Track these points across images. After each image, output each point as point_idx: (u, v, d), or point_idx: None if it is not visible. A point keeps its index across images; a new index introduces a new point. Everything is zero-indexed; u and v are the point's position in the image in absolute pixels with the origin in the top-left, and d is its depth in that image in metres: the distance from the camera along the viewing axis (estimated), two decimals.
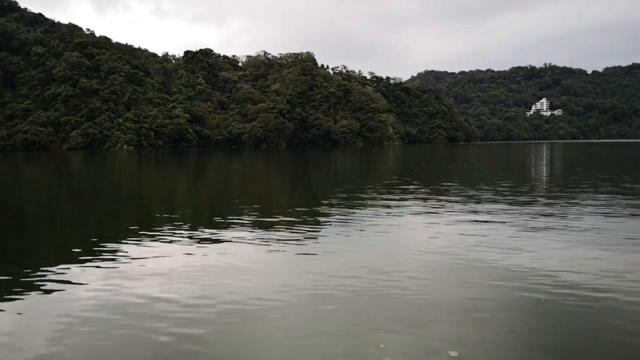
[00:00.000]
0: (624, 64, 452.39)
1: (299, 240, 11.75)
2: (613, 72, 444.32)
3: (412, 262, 9.57)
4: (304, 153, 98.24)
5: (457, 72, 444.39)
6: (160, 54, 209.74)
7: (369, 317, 6.71)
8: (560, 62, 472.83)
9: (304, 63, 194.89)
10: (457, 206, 17.19)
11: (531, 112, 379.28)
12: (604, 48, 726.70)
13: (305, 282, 8.28)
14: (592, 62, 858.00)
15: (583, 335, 6.13)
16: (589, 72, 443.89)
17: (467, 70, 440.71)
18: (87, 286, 8.32)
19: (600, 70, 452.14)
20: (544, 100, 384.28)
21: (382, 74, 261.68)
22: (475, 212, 15.84)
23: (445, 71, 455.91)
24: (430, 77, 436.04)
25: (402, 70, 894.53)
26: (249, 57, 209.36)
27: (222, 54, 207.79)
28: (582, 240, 11.43)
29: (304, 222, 14.20)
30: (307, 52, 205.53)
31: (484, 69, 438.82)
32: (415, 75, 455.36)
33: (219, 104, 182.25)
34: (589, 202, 18.03)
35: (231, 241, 11.73)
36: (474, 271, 8.87)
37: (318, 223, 14.08)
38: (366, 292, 7.74)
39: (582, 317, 6.71)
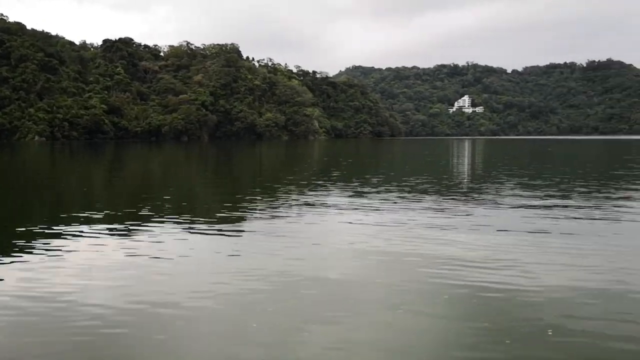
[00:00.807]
0: (541, 64, 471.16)
1: (221, 236, 11.41)
2: (532, 71, 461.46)
3: (336, 256, 9.56)
4: (227, 146, 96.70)
5: (384, 68, 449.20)
6: (78, 42, 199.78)
7: (296, 312, 6.59)
8: (482, 61, 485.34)
9: (228, 54, 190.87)
10: (381, 201, 17.12)
11: (454, 109, 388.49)
12: (523, 48, 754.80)
13: (229, 280, 7.97)
14: (512, 61, 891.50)
15: (501, 320, 6.30)
16: (509, 71, 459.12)
17: (393, 66, 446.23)
18: None
19: (520, 69, 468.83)
20: (466, 97, 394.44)
21: (312, 67, 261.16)
22: (397, 206, 15.95)
23: (373, 67, 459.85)
24: (358, 73, 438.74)
25: (330, 64, 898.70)
26: (171, 47, 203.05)
27: (142, 44, 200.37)
28: (499, 229, 11.97)
29: (226, 219, 13.76)
30: (232, 44, 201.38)
31: (409, 65, 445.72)
32: (343, 70, 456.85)
33: (139, 95, 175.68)
34: (503, 194, 18.83)
35: (150, 238, 11.22)
36: (398, 263, 8.97)
37: (241, 220, 13.71)
38: (291, 288, 7.57)
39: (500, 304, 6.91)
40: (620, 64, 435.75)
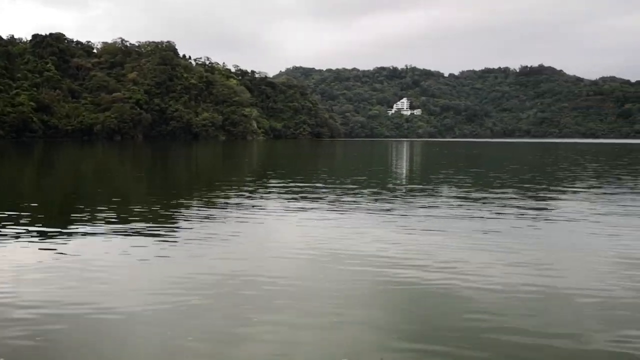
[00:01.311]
0: (477, 68, 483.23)
1: (155, 239, 11.07)
2: (468, 76, 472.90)
3: (274, 258, 9.41)
4: (162, 146, 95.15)
5: (324, 69, 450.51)
6: (5, 37, 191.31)
7: (234, 315, 6.55)
8: (420, 64, 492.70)
9: (164, 52, 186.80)
10: (320, 202, 17.20)
11: (393, 111, 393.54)
12: (460, 52, 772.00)
13: (164, 284, 7.75)
14: (449, 65, 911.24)
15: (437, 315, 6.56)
16: (446, 74, 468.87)
17: (334, 68, 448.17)
18: None
19: (456, 73, 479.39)
20: (404, 100, 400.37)
21: (253, 67, 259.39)
22: (334, 206, 16.11)
23: (313, 68, 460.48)
24: (298, 73, 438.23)
25: (271, 64, 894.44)
26: (105, 43, 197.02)
27: (75, 39, 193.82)
28: (434, 229, 12.37)
29: (161, 222, 13.36)
30: (168, 42, 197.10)
31: (350, 67, 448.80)
32: (283, 70, 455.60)
33: (70, 92, 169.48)
34: (438, 195, 19.51)
35: (78, 242, 10.85)
36: (337, 264, 9.00)
37: (177, 222, 13.31)
38: (233, 291, 7.49)
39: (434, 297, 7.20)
40: (551, 69, 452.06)
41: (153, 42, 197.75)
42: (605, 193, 21.23)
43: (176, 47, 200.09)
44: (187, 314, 6.62)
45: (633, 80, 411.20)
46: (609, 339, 5.96)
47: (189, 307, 6.86)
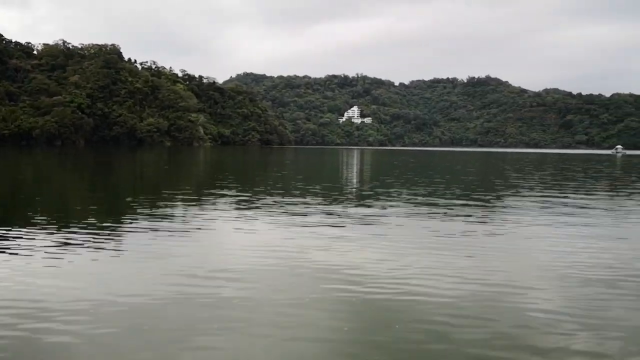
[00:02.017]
0: (426, 78, 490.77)
1: (97, 252, 10.68)
2: (417, 85, 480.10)
3: (224, 269, 9.16)
4: (104, 152, 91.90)
5: (275, 76, 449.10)
6: None
7: (184, 328, 6.43)
8: (371, 73, 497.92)
9: (108, 55, 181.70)
10: (269, 209, 17.09)
11: (344, 119, 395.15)
12: (410, 62, 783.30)
13: (107, 298, 7.52)
14: (399, 74, 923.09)
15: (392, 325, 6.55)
16: (397, 83, 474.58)
17: (285, 75, 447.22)
18: None
19: (407, 82, 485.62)
20: (355, 108, 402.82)
21: (205, 73, 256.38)
22: (284, 215, 15.97)
23: (264, 74, 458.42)
24: (249, 80, 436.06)
25: (223, 70, 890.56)
26: (45, 45, 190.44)
27: (13, 40, 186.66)
28: (385, 236, 12.41)
29: (103, 234, 12.61)
30: (113, 44, 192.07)
31: (301, 74, 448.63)
32: (234, 76, 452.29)
33: (7, 95, 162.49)
34: (388, 202, 19.67)
35: (23, 249, 10.62)
36: (291, 271, 9.00)
37: (121, 232, 12.85)
38: (179, 300, 7.45)
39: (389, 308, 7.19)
40: (497, 80, 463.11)
41: (97, 44, 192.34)
42: (546, 201, 21.85)
43: (121, 50, 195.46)
44: (135, 328, 6.44)
45: (575, 92, 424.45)
46: (558, 345, 6.06)
47: (136, 321, 6.67)
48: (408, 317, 6.92)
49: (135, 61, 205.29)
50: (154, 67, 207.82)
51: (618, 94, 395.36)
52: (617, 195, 24.69)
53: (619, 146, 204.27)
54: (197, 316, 6.86)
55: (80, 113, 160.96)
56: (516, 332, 6.40)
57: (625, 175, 41.57)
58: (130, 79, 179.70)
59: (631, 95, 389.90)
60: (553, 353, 5.83)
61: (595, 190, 26.69)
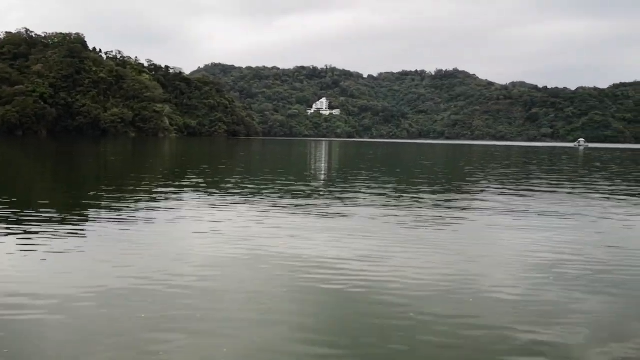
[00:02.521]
0: (395, 71, 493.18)
1: (63, 242, 10.47)
2: (386, 77, 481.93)
3: (191, 262, 9.02)
4: (65, 142, 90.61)
5: (244, 67, 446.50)
6: None
7: (150, 319, 6.34)
8: (340, 65, 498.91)
9: (72, 44, 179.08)
10: (234, 200, 16.95)
11: (312, 111, 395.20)
12: (379, 54, 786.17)
13: (75, 291, 7.32)
14: (368, 66, 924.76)
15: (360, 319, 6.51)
16: (365, 75, 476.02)
17: (254, 66, 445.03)
18: None
19: (375, 74, 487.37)
20: (324, 99, 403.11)
21: (174, 63, 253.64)
22: (252, 206, 15.88)
23: (233, 65, 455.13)
24: (218, 70, 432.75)
25: (192, 61, 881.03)
26: (8, 33, 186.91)
27: None
28: (352, 229, 12.36)
29: (67, 224, 12.46)
30: (77, 33, 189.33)
31: (270, 66, 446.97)
32: (202, 67, 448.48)
33: None
34: (355, 195, 19.54)
35: None
36: (257, 263, 8.94)
37: (84, 225, 12.51)
38: (146, 293, 7.27)
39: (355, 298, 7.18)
40: (465, 73, 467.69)
41: (61, 33, 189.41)
42: (515, 192, 22.55)
43: (86, 39, 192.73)
44: (99, 319, 6.40)
45: (541, 85, 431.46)
46: (528, 335, 6.15)
47: (101, 312, 6.63)
48: (373, 306, 6.97)
49: (100, 51, 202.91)
50: (119, 56, 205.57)
51: (583, 88, 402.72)
52: (576, 188, 25.20)
53: (581, 139, 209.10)
54: (162, 306, 6.82)
55: (42, 103, 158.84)
56: (479, 322, 6.48)
57: (585, 168, 42.89)
58: (94, 69, 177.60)
59: (595, 89, 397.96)
60: (516, 342, 5.96)
61: (556, 183, 27.18)
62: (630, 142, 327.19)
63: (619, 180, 30.39)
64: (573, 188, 24.83)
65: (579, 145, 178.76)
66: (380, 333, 6.11)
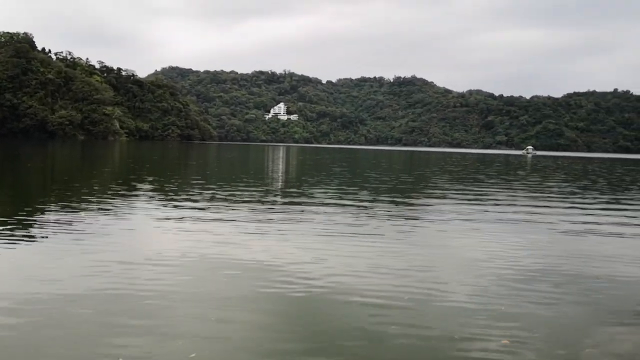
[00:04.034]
0: (354, 77, 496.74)
1: (10, 243, 10.17)
2: (344, 83, 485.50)
3: (144, 267, 8.74)
4: (11, 145, 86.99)
5: (202, 70, 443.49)
6: None
7: (101, 324, 6.19)
8: (299, 70, 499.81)
9: (19, 44, 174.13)
10: (192, 208, 16.35)
11: (270, 116, 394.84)
12: (338, 60, 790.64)
13: (26, 297, 7.09)
14: (327, 72, 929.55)
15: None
16: (324, 81, 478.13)
17: (212, 70, 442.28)
18: None
19: (334, 80, 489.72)
20: (281, 105, 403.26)
21: (131, 66, 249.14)
22: (207, 212, 15.41)
23: (191, 69, 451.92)
24: (175, 74, 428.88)
25: (150, 64, 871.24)
26: None
27: None
28: (307, 233, 12.35)
29: (14, 226, 12.01)
30: (25, 33, 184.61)
31: (228, 70, 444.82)
32: (159, 69, 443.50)
33: None
34: (311, 198, 19.91)
35: None
36: (211, 269, 8.75)
37: (33, 230, 11.77)
38: (99, 299, 7.08)
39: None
40: (422, 81, 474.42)
41: (7, 32, 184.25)
42: (469, 197, 22.65)
43: (34, 39, 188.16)
44: (50, 324, 6.12)
45: (497, 93, 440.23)
46: (490, 340, 6.06)
47: (52, 317, 6.33)
48: (330, 313, 6.85)
49: (50, 51, 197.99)
50: (69, 57, 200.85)
51: (537, 97, 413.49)
52: (524, 194, 25.37)
53: (529, 147, 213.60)
54: (114, 311, 6.62)
55: None
56: (433, 332, 6.38)
57: (532, 175, 43.33)
58: (42, 69, 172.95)
59: (550, 98, 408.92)
60: (472, 345, 5.90)
61: (503, 190, 27.34)
62: (582, 151, 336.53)
63: (568, 187, 30.60)
64: (521, 194, 24.94)
65: (527, 153, 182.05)
66: (336, 338, 6.00)
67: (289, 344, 5.80)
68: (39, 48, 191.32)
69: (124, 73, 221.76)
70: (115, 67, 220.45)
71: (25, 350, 5.45)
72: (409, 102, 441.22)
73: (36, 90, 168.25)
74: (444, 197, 22.22)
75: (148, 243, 10.93)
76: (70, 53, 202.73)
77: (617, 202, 22.65)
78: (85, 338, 5.77)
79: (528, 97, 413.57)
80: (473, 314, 6.94)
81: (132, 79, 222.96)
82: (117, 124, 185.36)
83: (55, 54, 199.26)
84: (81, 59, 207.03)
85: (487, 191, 25.50)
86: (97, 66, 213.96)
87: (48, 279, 7.95)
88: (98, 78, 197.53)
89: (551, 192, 26.31)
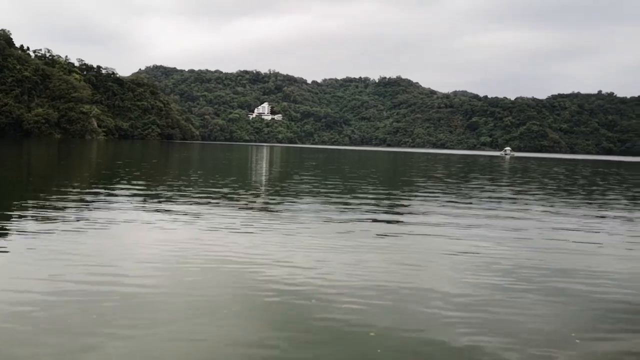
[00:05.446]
0: (339, 77, 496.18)
1: None
2: (330, 84, 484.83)
3: (131, 267, 8.69)
4: None
5: (186, 69, 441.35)
6: None
7: (80, 323, 6.15)
8: (284, 70, 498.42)
9: None
10: (177, 208, 16.14)
11: (254, 115, 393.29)
12: (323, 60, 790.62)
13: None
14: (312, 72, 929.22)
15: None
16: (309, 81, 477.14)
17: (196, 69, 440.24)
18: None
19: (319, 80, 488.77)
20: (265, 104, 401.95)
21: (116, 64, 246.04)
22: (189, 212, 15.26)
23: (175, 68, 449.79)
24: (159, 73, 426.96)
25: (135, 62, 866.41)
26: None
27: None
28: (292, 231, 12.45)
29: None
30: (2, 30, 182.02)
31: (213, 69, 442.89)
32: (143, 68, 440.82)
33: None
34: (298, 198, 19.98)
35: None
36: (199, 267, 8.77)
37: (12, 232, 11.34)
38: (81, 300, 6.97)
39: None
40: (408, 81, 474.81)
41: None
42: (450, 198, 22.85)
43: (12, 35, 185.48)
44: (30, 326, 6.01)
45: (481, 95, 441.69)
46: (468, 340, 6.05)
47: (33, 318, 6.24)
48: (314, 315, 6.75)
49: (28, 48, 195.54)
50: (48, 55, 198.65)
51: (521, 98, 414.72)
52: (506, 194, 25.71)
53: (507, 148, 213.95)
54: (95, 316, 6.41)
55: None
56: (427, 323, 6.49)
57: (508, 176, 43.22)
58: (18, 67, 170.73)
59: (533, 99, 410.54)
60: (467, 346, 5.89)
61: (480, 190, 27.63)
62: (565, 152, 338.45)
63: (549, 188, 30.58)
64: (504, 194, 25.21)
65: (505, 154, 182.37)
66: (319, 342, 5.90)
67: (269, 344, 5.78)
68: (17, 45, 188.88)
69: (103, 71, 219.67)
70: (95, 65, 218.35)
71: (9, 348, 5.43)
72: (394, 103, 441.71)
73: (12, 88, 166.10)
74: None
75: (125, 243, 10.80)
76: (49, 51, 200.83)
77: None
78: (65, 340, 5.64)
79: (512, 98, 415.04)
80: (458, 317, 6.86)
81: (112, 77, 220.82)
82: (94, 123, 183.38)
83: (34, 51, 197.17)
84: (60, 56, 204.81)
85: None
86: (77, 64, 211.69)
87: (25, 281, 7.77)
88: (77, 76, 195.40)
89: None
